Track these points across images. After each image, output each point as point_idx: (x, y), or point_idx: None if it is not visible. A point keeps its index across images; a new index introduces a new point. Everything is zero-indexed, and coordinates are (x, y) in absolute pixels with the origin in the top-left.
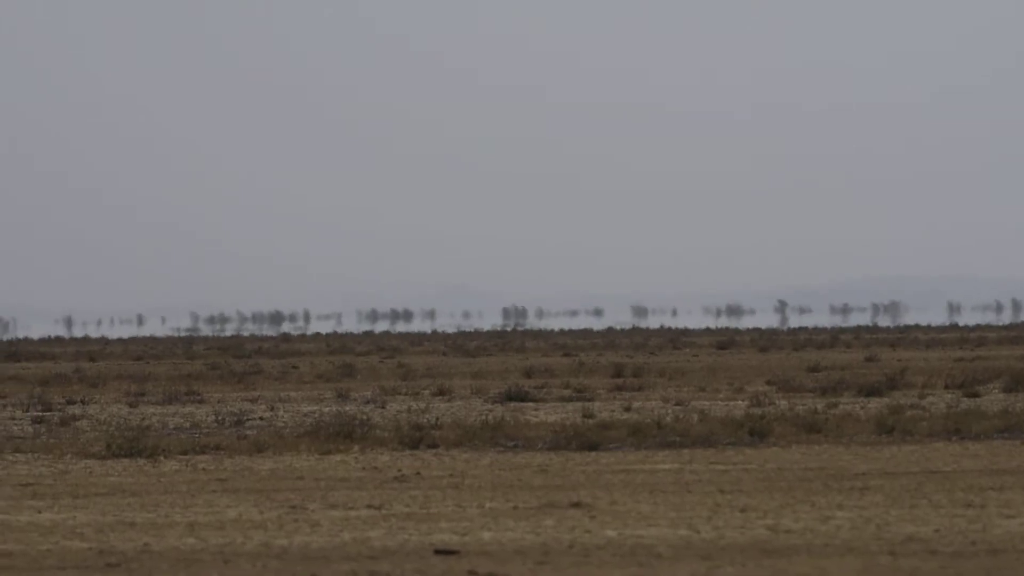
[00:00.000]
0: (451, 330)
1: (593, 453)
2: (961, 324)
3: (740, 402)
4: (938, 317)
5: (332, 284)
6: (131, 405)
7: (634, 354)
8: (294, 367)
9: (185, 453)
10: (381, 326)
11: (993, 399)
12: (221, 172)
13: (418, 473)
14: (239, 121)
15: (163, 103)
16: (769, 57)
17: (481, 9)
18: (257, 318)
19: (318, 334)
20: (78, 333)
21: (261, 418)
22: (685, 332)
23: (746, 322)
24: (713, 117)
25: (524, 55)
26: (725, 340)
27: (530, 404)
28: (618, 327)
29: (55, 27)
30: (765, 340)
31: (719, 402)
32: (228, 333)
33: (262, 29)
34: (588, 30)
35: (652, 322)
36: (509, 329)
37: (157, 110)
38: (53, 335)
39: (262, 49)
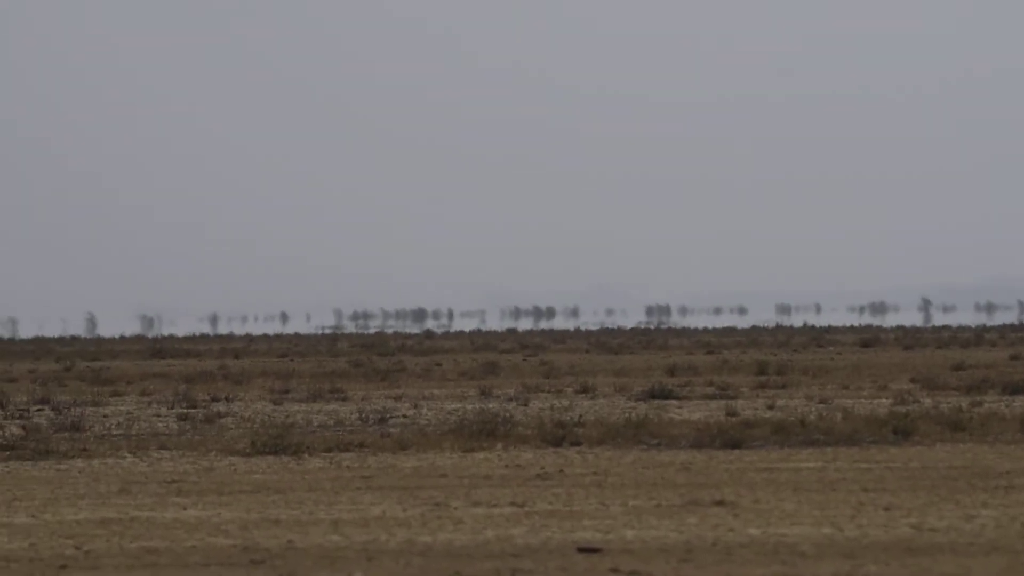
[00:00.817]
0: (594, 327)
1: (736, 451)
2: None
3: (884, 400)
4: None
5: (475, 282)
6: (275, 402)
7: (777, 352)
8: (437, 364)
9: (329, 450)
10: (524, 324)
11: None
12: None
13: (561, 471)
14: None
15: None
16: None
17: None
18: (401, 315)
19: (461, 331)
20: (223, 330)
21: (404, 415)
22: (829, 330)
23: (890, 320)
24: (857, 105)
25: (648, 57)
26: (869, 338)
27: (673, 402)
28: (762, 325)
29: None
30: (909, 338)
31: (863, 400)
32: (372, 330)
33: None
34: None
35: (795, 320)
36: (652, 327)
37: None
38: (198, 332)
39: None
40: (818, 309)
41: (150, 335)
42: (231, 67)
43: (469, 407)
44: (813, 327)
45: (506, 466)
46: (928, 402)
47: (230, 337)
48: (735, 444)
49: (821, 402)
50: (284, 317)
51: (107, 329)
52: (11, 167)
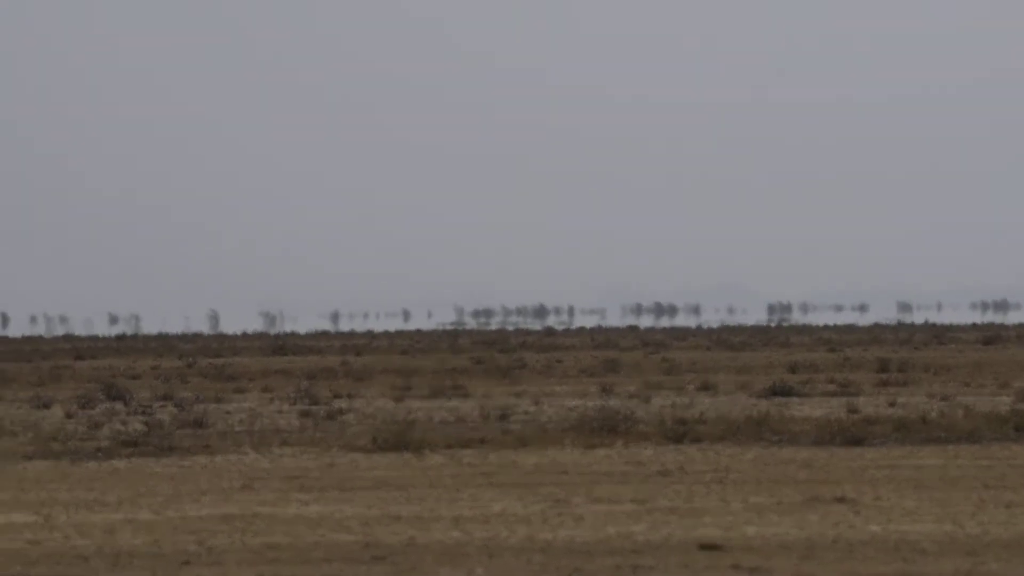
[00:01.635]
0: (716, 325)
1: (858, 448)
2: None
3: (1005, 398)
4: None
5: (596, 278)
6: (397, 399)
7: (899, 349)
8: (558, 361)
9: (450, 447)
10: (645, 321)
11: None
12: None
13: (682, 467)
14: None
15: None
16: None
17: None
18: (522, 312)
19: (582, 328)
20: (344, 327)
21: (526, 412)
22: (950, 327)
23: (1012, 317)
24: (968, 100)
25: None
26: (991, 335)
27: (795, 399)
28: (883, 322)
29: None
30: None
31: (984, 397)
32: (493, 327)
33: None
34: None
35: (917, 317)
36: (774, 324)
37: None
38: (320, 329)
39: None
40: (939, 307)
41: (272, 332)
42: (325, 62)
43: (590, 404)
44: (934, 324)
45: (627, 463)
46: None
47: (352, 334)
48: (856, 441)
49: (942, 399)
50: (406, 314)
51: (230, 326)
52: (147, 166)
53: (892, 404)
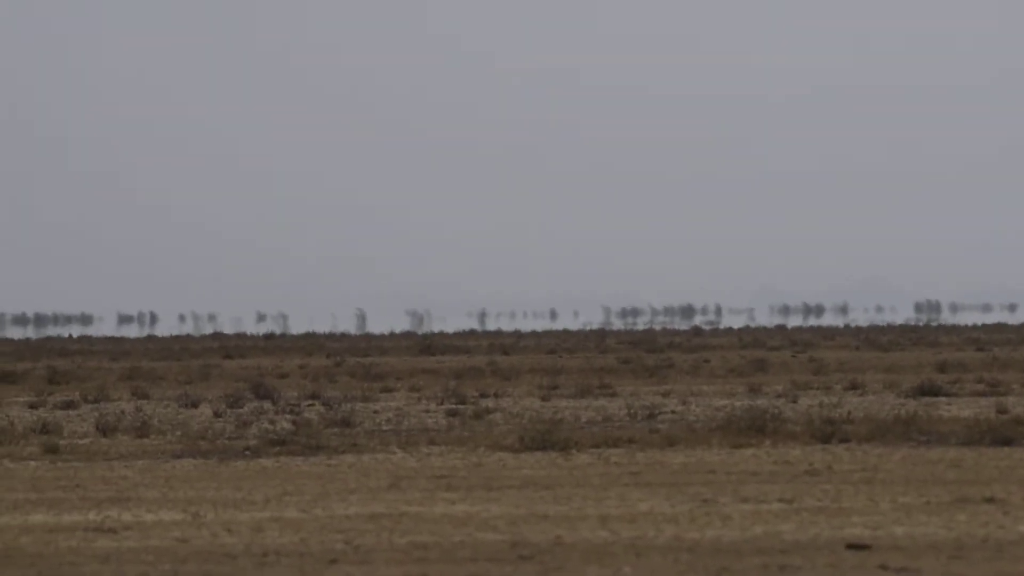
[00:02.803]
0: (864, 324)
1: (1007, 448)
2: None
3: None
4: None
5: (744, 278)
6: (544, 398)
7: None
8: (706, 361)
9: (597, 446)
10: (793, 320)
11: None
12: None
13: (829, 467)
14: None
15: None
16: None
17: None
18: (669, 312)
19: (730, 328)
20: (491, 327)
21: (673, 412)
22: None
23: None
24: None
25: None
26: None
27: (943, 399)
28: None
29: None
30: None
31: None
32: (640, 327)
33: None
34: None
35: None
36: (922, 324)
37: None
38: (467, 329)
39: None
40: None
41: (419, 331)
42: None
43: (737, 404)
44: None
45: (774, 462)
46: None
47: (499, 333)
48: (1006, 441)
49: None
50: (553, 314)
51: (377, 325)
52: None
53: None
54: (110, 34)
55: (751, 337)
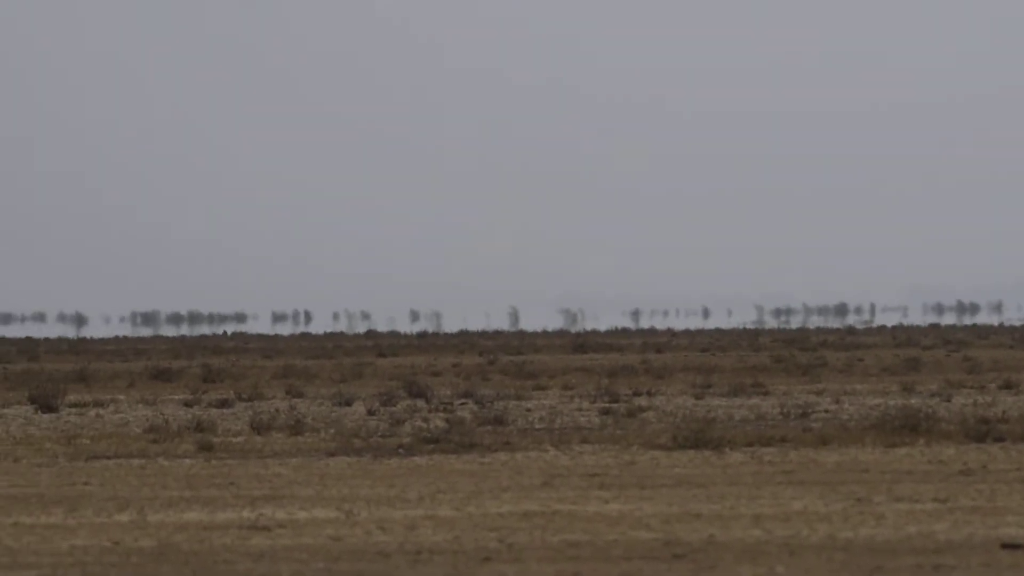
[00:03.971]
0: (1018, 323)
1: None
2: None
3: None
4: None
5: (898, 276)
6: (697, 397)
7: None
8: (859, 360)
9: (750, 445)
10: (947, 319)
11: None
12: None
13: (984, 467)
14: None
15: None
16: None
17: None
18: (822, 311)
19: (883, 327)
20: (644, 325)
21: (826, 411)
22: None
23: None
24: None
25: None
26: None
27: None
28: None
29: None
30: None
31: None
32: (793, 326)
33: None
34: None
35: None
36: None
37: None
38: (620, 327)
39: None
40: None
41: (572, 329)
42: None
43: (891, 403)
44: None
45: (928, 462)
46: None
47: (652, 332)
48: None
49: None
50: (705, 312)
51: (530, 323)
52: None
53: None
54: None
55: (904, 336)
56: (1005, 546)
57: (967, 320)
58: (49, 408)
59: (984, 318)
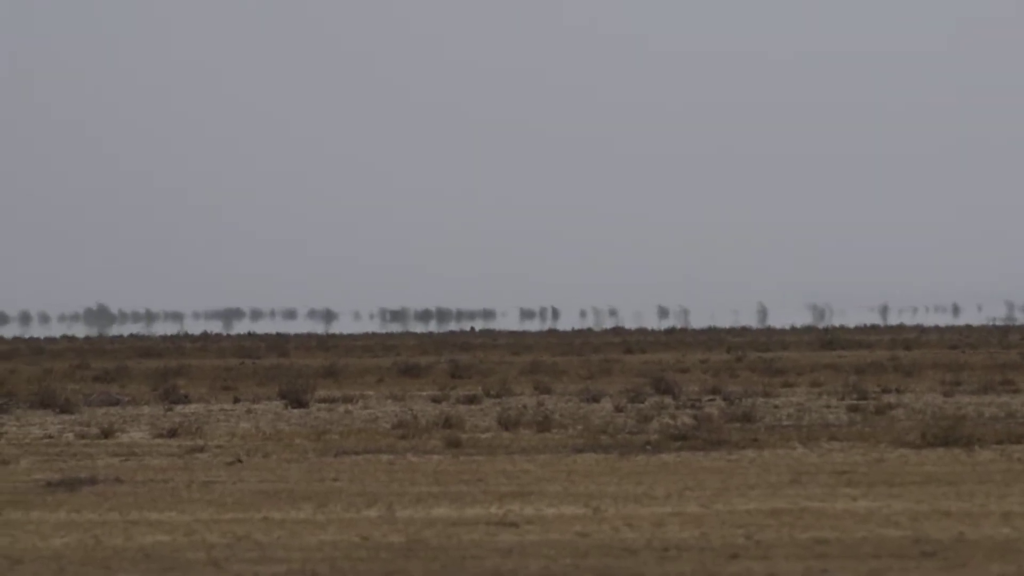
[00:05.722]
0: None
1: None
2: None
3: None
4: None
5: None
6: (946, 394)
7: None
8: None
9: (1000, 443)
10: None
11: None
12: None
13: None
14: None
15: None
16: None
17: None
18: None
19: None
20: (893, 321)
21: None
22: None
23: None
24: None
25: None
26: None
27: None
28: None
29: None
30: None
31: None
32: None
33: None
34: None
35: None
36: None
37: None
38: (868, 323)
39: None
40: None
41: (820, 326)
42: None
43: None
44: None
45: None
46: None
47: (900, 328)
48: None
49: None
50: (955, 308)
51: (778, 319)
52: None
53: None
54: None
55: None
56: None
57: None
58: (299, 404)
59: None
